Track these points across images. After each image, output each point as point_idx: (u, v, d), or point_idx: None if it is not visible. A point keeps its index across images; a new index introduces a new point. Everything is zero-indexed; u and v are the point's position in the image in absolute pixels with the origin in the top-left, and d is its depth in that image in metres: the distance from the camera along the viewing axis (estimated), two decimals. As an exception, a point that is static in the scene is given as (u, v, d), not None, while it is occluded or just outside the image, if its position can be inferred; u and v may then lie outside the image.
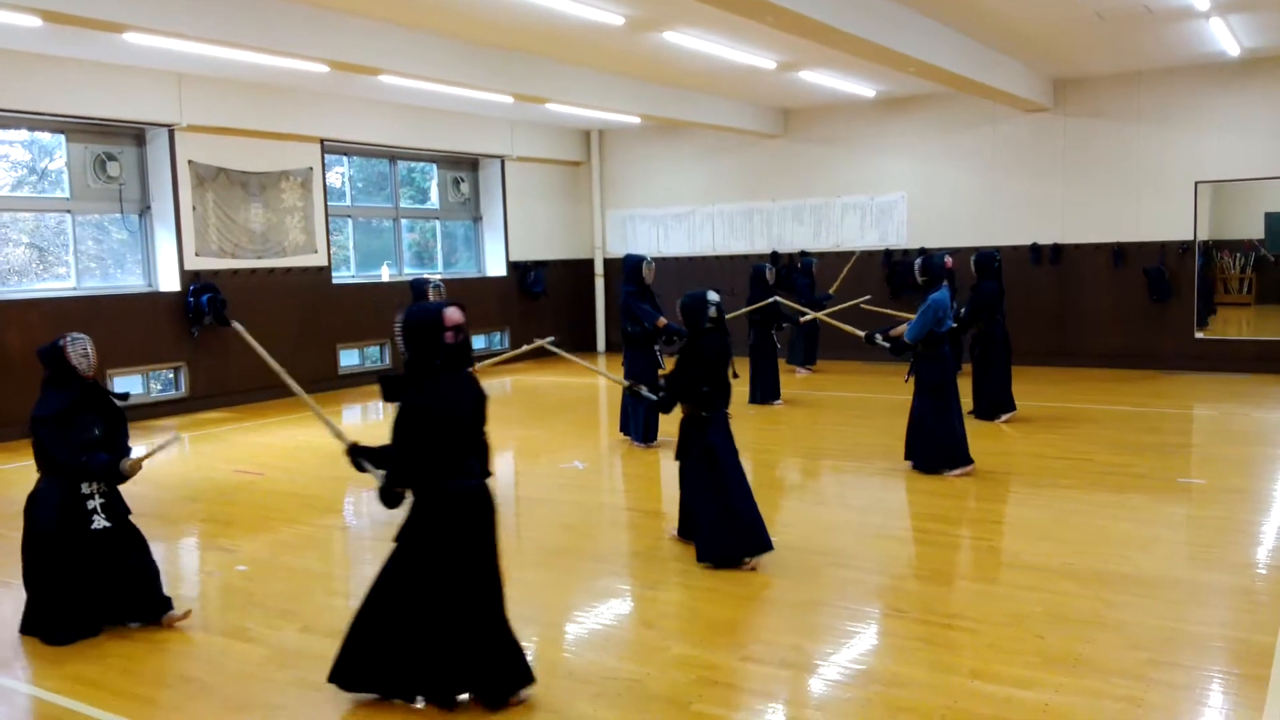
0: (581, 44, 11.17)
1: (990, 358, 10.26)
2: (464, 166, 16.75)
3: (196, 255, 12.42)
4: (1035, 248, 14.40)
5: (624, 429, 9.75)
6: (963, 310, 10.23)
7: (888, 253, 15.50)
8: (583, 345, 18.24)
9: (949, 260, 8.22)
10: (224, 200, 12.70)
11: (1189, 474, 8.26)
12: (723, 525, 5.87)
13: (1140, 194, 13.80)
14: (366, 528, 7.49)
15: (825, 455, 9.31)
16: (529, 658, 4.32)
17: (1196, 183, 13.44)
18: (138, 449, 5.29)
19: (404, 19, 9.99)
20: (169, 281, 12.37)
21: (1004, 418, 10.28)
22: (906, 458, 8.22)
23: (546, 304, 17.22)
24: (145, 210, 12.40)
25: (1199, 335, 13.74)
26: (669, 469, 6.82)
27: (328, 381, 14.02)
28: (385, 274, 15.52)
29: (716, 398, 6.04)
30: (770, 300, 11.30)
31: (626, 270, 9.37)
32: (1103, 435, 9.57)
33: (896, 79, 12.95)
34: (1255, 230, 17.24)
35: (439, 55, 10.73)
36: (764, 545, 5.95)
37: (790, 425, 10.72)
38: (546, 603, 5.74)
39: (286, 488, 8.44)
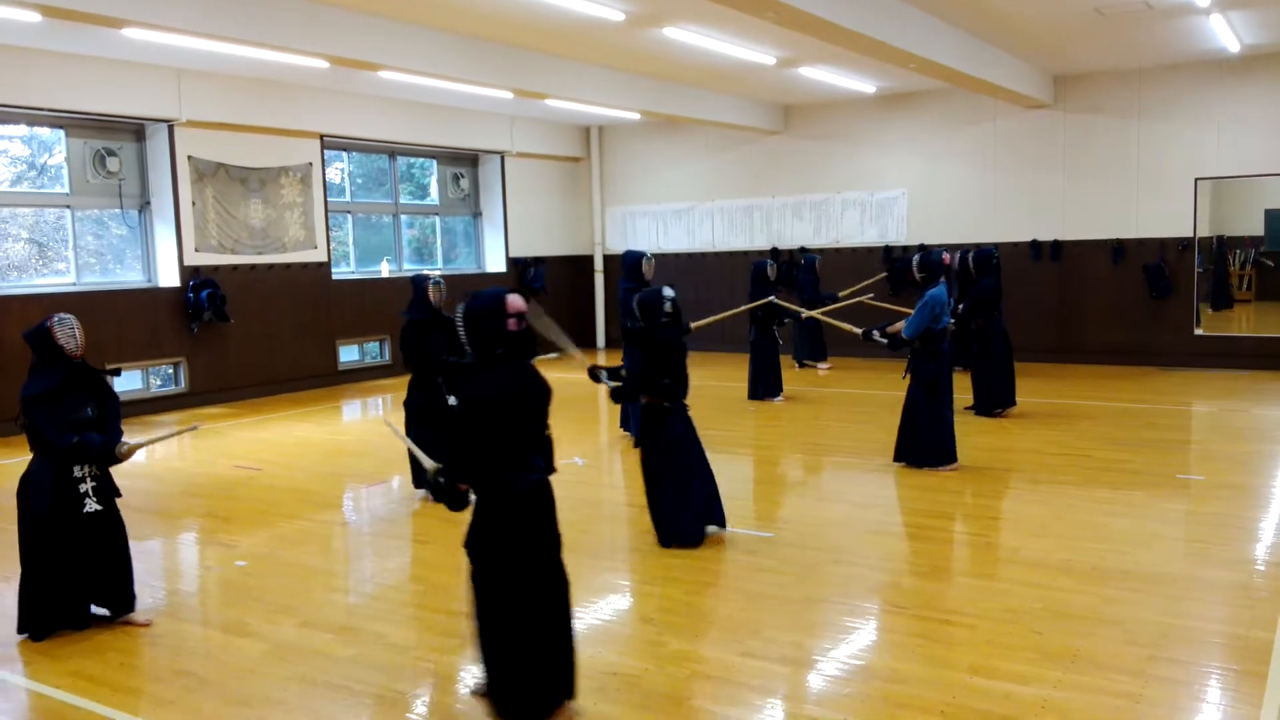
0: (582, 40, 11.16)
1: (989, 354, 10.30)
2: (464, 162, 16.74)
3: (196, 251, 12.42)
4: (1035, 244, 14.41)
5: (624, 425, 9.75)
6: (960, 307, 10.27)
7: (888, 249, 15.50)
8: (582, 341, 18.23)
9: (947, 257, 8.23)
10: (224, 196, 12.70)
11: (1188, 470, 8.26)
12: (682, 510, 6.20)
13: (1140, 191, 13.80)
14: (365, 523, 7.50)
15: (825, 451, 9.32)
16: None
17: (1196, 179, 13.44)
18: (139, 435, 5.28)
19: (404, 14, 9.98)
20: (168, 277, 12.37)
21: (1004, 412, 10.31)
22: (896, 459, 8.21)
23: (546, 300, 17.21)
24: (145, 206, 12.40)
25: (1198, 332, 13.74)
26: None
27: (327, 377, 14.02)
28: (385, 270, 15.52)
29: (676, 389, 6.35)
30: (767, 300, 11.28)
31: (626, 266, 9.36)
32: (1102, 431, 9.57)
33: (897, 75, 12.95)
34: (1255, 227, 17.23)
35: (439, 51, 10.72)
36: (718, 522, 6.37)
37: (791, 421, 10.72)
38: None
39: (285, 483, 8.45)
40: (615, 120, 16.92)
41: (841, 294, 13.33)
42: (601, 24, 10.21)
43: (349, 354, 14.69)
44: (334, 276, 14.23)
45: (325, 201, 13.97)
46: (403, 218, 15.98)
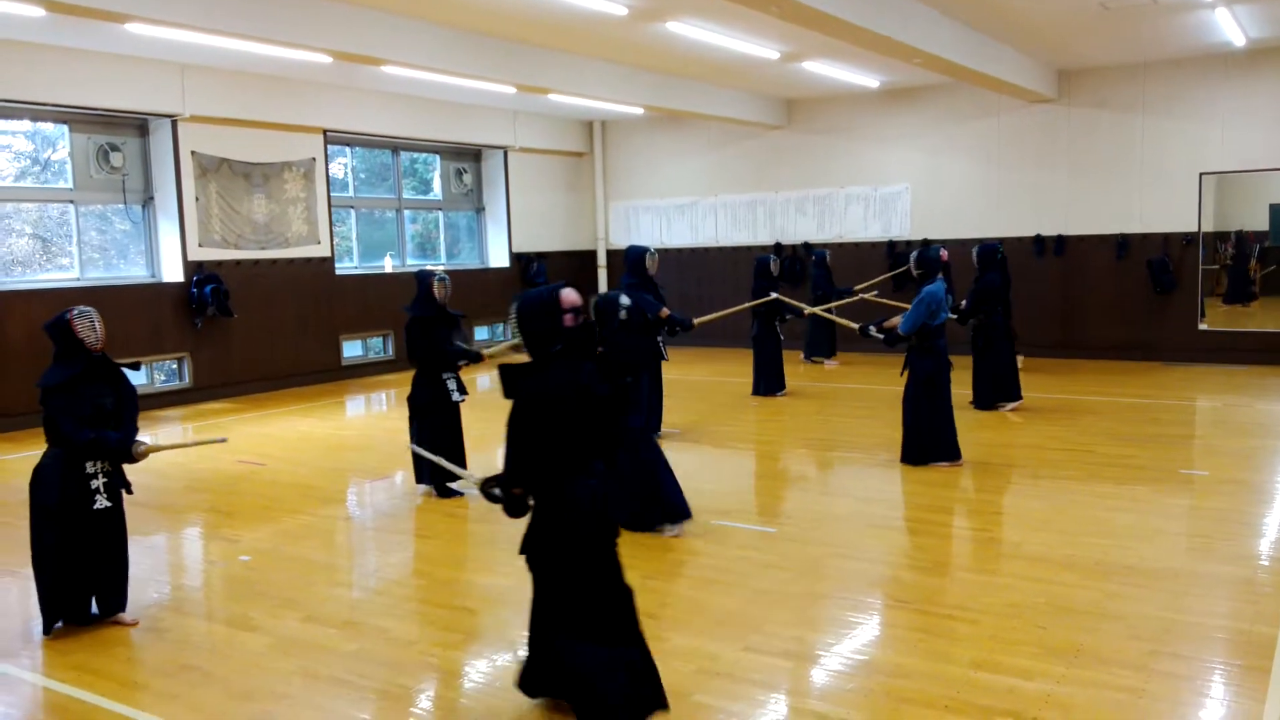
0: (585, 34, 11.15)
1: (992, 348, 10.30)
2: (467, 157, 16.74)
3: (200, 246, 12.44)
4: (1039, 239, 14.38)
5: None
6: (964, 302, 10.26)
7: (891, 244, 15.48)
8: (585, 337, 18.22)
9: (944, 253, 8.23)
10: (227, 191, 12.70)
11: (1191, 465, 8.25)
12: (641, 496, 6.37)
13: (1144, 185, 13.77)
14: (369, 518, 7.51)
15: (828, 446, 9.31)
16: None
17: (1201, 174, 13.41)
18: (148, 435, 5.28)
19: (407, 9, 9.97)
20: (172, 272, 12.38)
21: (1009, 407, 10.34)
22: (904, 460, 8.19)
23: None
24: (148, 201, 12.41)
25: (1202, 326, 13.72)
26: (671, 460, 6.86)
27: (331, 372, 14.04)
28: (388, 265, 15.53)
29: (635, 388, 6.60)
30: (770, 297, 11.27)
31: (629, 262, 9.36)
32: (1105, 426, 9.56)
33: (901, 70, 12.93)
34: (1260, 222, 17.18)
35: (442, 46, 10.71)
36: (682, 514, 6.47)
37: (793, 416, 10.71)
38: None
39: (289, 478, 8.46)
40: (618, 115, 16.90)
41: (856, 288, 13.31)
42: (605, 18, 10.19)
43: (352, 349, 14.70)
44: (337, 271, 14.24)
45: (329, 196, 13.98)
46: (406, 213, 15.98)
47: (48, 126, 11.73)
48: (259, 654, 4.76)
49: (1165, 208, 13.64)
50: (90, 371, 4.96)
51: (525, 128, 16.82)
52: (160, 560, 6.47)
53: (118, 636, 5.01)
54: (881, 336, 8.26)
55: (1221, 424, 10.15)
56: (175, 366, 12.50)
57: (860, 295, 12.58)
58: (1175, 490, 7.41)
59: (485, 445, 8.56)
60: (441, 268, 14.56)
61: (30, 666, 4.78)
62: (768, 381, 11.72)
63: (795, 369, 12.99)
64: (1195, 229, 13.51)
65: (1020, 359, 11.98)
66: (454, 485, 7.65)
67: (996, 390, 10.38)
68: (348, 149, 15.02)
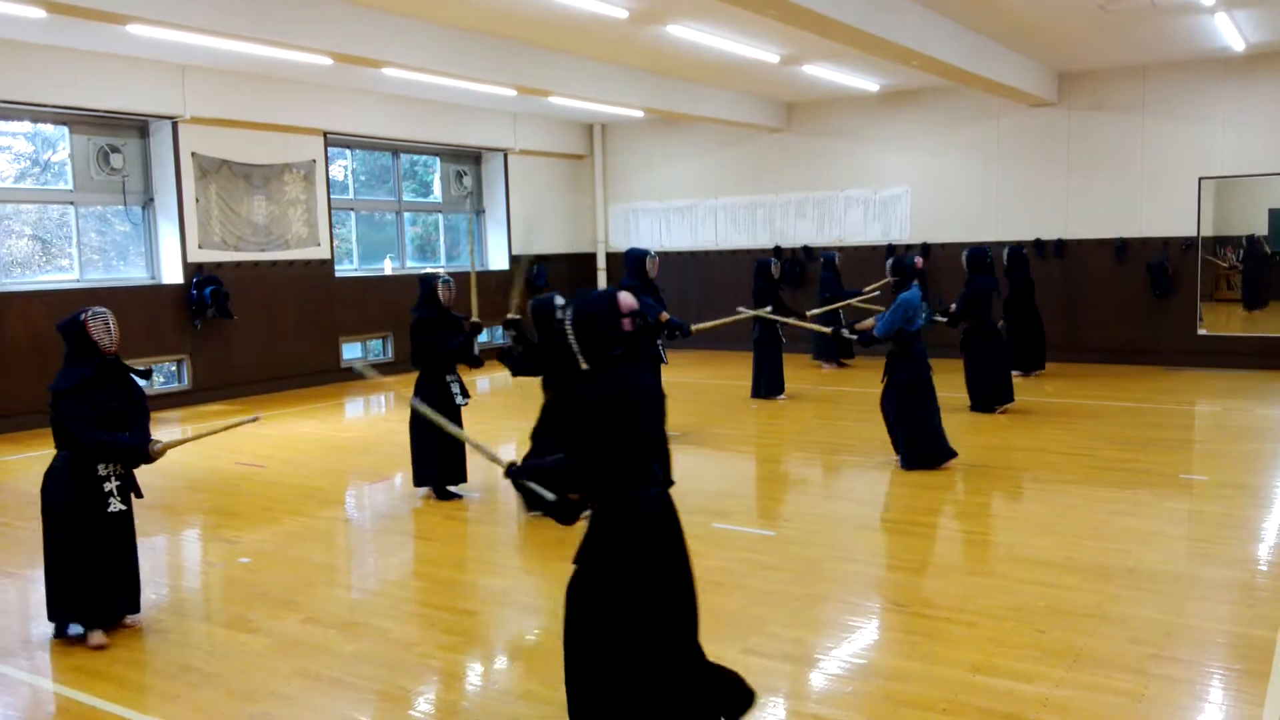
0: (585, 37, 11.16)
1: (984, 351, 10.40)
2: (467, 160, 16.75)
3: (199, 248, 12.44)
4: (1039, 242, 14.39)
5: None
6: (953, 306, 10.43)
7: (891, 247, 15.49)
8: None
9: (919, 261, 8.39)
10: (227, 192, 12.71)
11: (1191, 469, 8.26)
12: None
13: (1144, 189, 13.78)
14: (368, 520, 7.51)
15: (827, 449, 9.31)
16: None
17: (1200, 178, 13.42)
18: (159, 431, 5.26)
19: (407, 11, 9.98)
20: (172, 274, 12.39)
21: (1001, 408, 10.41)
22: (908, 467, 8.20)
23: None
24: (148, 202, 12.41)
25: (1201, 331, 13.72)
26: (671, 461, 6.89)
27: (330, 374, 14.04)
28: (388, 267, 15.53)
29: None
30: (765, 310, 11.16)
31: (630, 264, 9.37)
32: (1105, 430, 9.57)
33: (900, 73, 12.94)
34: (1259, 227, 17.19)
35: (442, 47, 10.72)
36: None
37: (793, 419, 10.72)
38: (548, 594, 5.76)
39: (289, 479, 8.46)
40: (618, 117, 16.91)
41: (866, 289, 13.32)
42: (605, 21, 10.21)
43: (352, 351, 14.70)
44: (337, 274, 14.24)
45: (329, 198, 13.98)
46: (406, 215, 15.99)
47: (48, 128, 11.74)
48: (259, 655, 4.76)
49: (1164, 212, 13.65)
50: (101, 374, 4.90)
51: (525, 130, 16.83)
52: (160, 561, 6.47)
53: (117, 638, 5.01)
54: (855, 337, 8.40)
55: (1221, 428, 10.15)
56: (175, 368, 12.50)
57: (865, 297, 12.66)
58: (1175, 494, 7.41)
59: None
60: (444, 271, 14.60)
61: (29, 668, 4.78)
62: (768, 384, 11.72)
63: (798, 372, 12.94)
64: (1195, 233, 13.52)
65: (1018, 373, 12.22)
66: (454, 489, 7.66)
67: (992, 393, 10.43)
68: (348, 151, 15.03)
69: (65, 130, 11.70)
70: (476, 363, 7.68)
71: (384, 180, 15.76)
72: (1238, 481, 7.63)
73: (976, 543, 6.42)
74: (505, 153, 16.68)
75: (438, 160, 16.38)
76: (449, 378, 7.54)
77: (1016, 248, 12.72)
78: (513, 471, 3.83)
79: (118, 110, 11.64)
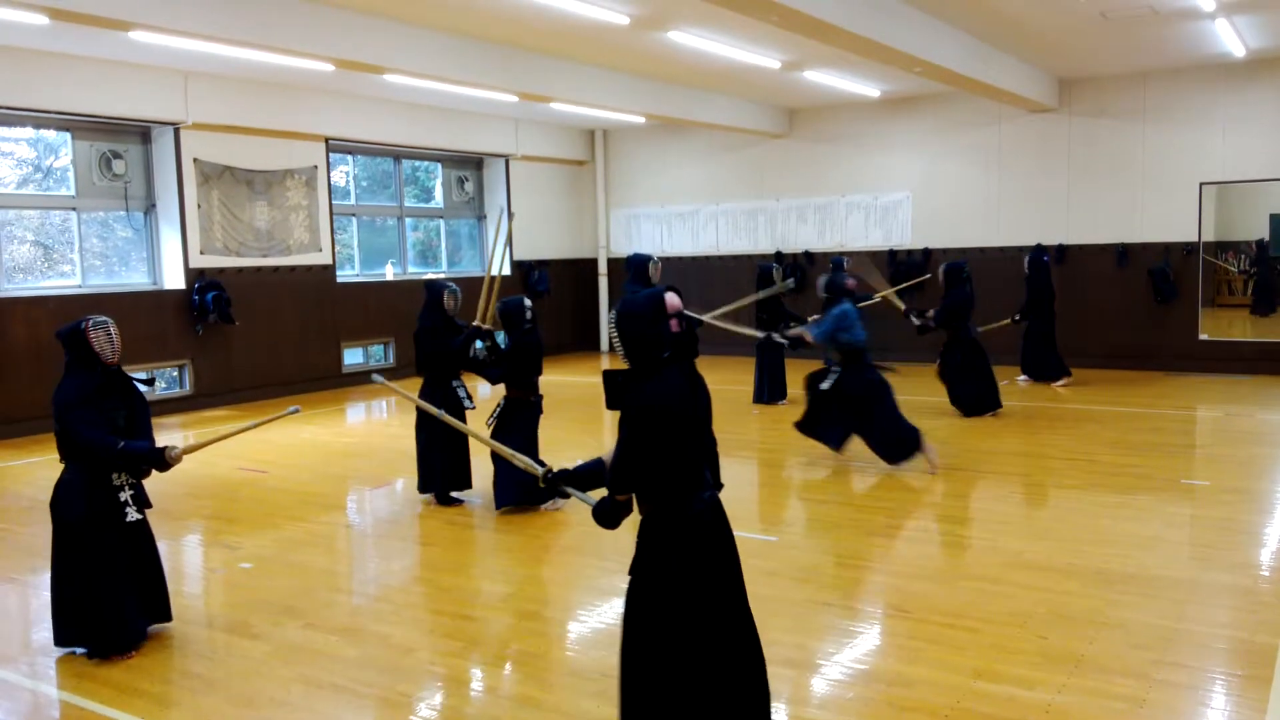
0: (587, 43, 11.18)
1: (969, 361, 10.54)
2: (468, 165, 16.77)
3: (201, 253, 12.46)
4: (1039, 247, 14.37)
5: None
6: (930, 313, 10.67)
7: (892, 253, 15.50)
8: (586, 344, 18.27)
9: (851, 282, 8.76)
10: (229, 198, 12.73)
11: (1192, 475, 8.25)
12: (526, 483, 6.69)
13: (1145, 194, 13.79)
14: (370, 525, 7.51)
15: (829, 454, 9.30)
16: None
17: (1201, 184, 13.42)
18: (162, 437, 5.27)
19: (409, 17, 10.00)
20: (174, 279, 12.40)
21: (995, 413, 10.58)
22: (890, 461, 8.38)
23: (550, 303, 17.22)
24: (150, 208, 12.43)
25: (1202, 336, 13.71)
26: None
27: (332, 379, 14.05)
28: (389, 273, 15.54)
29: (537, 384, 7.40)
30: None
31: (632, 269, 9.38)
32: (1106, 435, 9.56)
33: (902, 79, 12.95)
34: (1260, 232, 17.20)
35: (444, 54, 10.74)
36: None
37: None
38: (549, 600, 5.76)
39: (290, 485, 8.46)
40: (620, 123, 16.94)
41: (878, 294, 13.32)
42: (606, 27, 10.22)
43: (353, 356, 14.71)
44: (339, 279, 14.25)
45: (330, 204, 14.00)
46: (407, 220, 16.01)
47: (50, 133, 11.76)
48: (260, 661, 4.76)
49: (1166, 217, 13.65)
50: (105, 385, 4.77)
51: (527, 135, 16.86)
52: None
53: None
54: (785, 342, 8.74)
55: (1223, 433, 10.15)
56: (176, 374, 12.51)
57: (875, 300, 12.66)
58: (1177, 499, 7.40)
59: (476, 449, 8.53)
60: (444, 277, 14.63)
61: (29, 673, 4.78)
62: (770, 389, 11.72)
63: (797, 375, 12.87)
64: (1196, 238, 13.51)
65: (1025, 380, 12.32)
66: (458, 495, 7.66)
67: (981, 402, 10.59)
68: (349, 157, 15.05)
69: (68, 136, 11.72)
70: (469, 365, 7.70)
71: (386, 186, 15.77)
72: (1239, 486, 7.63)
73: (977, 548, 6.41)
74: (507, 158, 16.70)
75: (439, 166, 16.40)
76: (454, 383, 7.54)
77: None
78: (551, 478, 3.82)
79: (120, 116, 11.66)
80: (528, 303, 7.30)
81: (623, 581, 5.82)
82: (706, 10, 9.32)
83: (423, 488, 7.62)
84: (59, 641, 4.83)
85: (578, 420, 11.12)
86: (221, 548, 6.73)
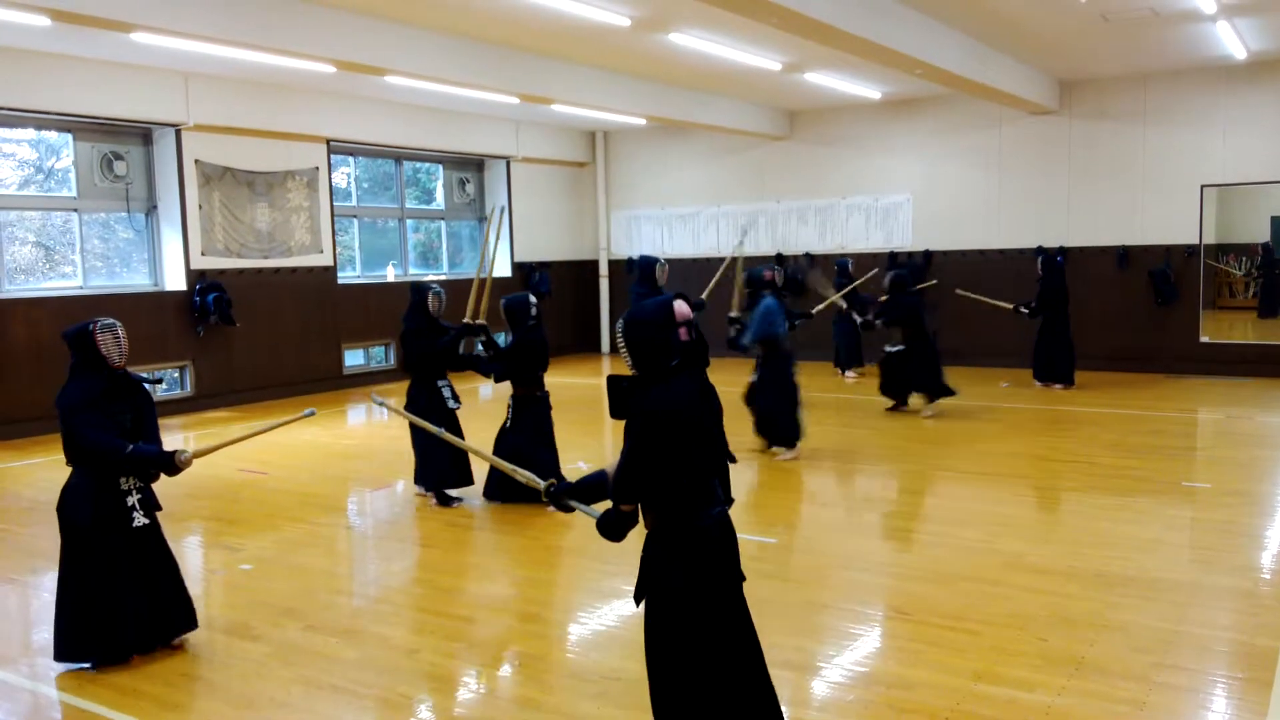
0: (588, 44, 11.18)
1: (927, 354, 11.00)
2: (469, 167, 16.78)
3: (203, 254, 12.46)
4: (1040, 249, 14.38)
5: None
6: (876, 318, 11.26)
7: (893, 254, 15.50)
8: (587, 346, 18.27)
9: (768, 274, 9.10)
10: (230, 200, 12.74)
11: (1193, 477, 8.25)
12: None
13: (1146, 197, 13.79)
14: (370, 527, 7.51)
15: (829, 456, 9.30)
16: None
17: (1202, 186, 13.42)
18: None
19: (410, 19, 10.00)
20: (175, 280, 12.41)
21: (933, 407, 11.04)
22: (774, 444, 9.08)
23: (551, 304, 17.22)
24: (151, 209, 12.44)
25: (1203, 338, 13.71)
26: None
27: (332, 381, 14.05)
28: (390, 274, 15.55)
29: (542, 380, 7.54)
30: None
31: (640, 272, 9.42)
32: (1106, 437, 9.56)
33: (902, 81, 12.95)
34: (1261, 234, 17.20)
35: (445, 55, 10.75)
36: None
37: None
38: (550, 602, 5.76)
39: (290, 486, 8.46)
40: (621, 125, 16.94)
41: (881, 298, 13.31)
42: (607, 29, 10.23)
43: (354, 358, 14.71)
44: (340, 280, 14.26)
45: (331, 205, 14.01)
46: (408, 222, 16.01)
47: (51, 135, 11.77)
48: (260, 662, 4.76)
49: (1166, 219, 13.65)
50: (112, 388, 4.68)
51: (528, 137, 16.86)
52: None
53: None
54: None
55: (1223, 436, 10.14)
56: (177, 375, 12.51)
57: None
58: (1177, 502, 7.40)
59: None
60: (440, 278, 14.62)
61: (29, 674, 4.78)
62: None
63: (808, 379, 12.82)
64: (1196, 241, 13.51)
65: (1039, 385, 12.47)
66: (454, 493, 7.67)
67: (937, 387, 11.03)
68: (351, 158, 15.05)
69: (69, 137, 11.73)
70: (458, 364, 7.73)
71: (387, 187, 15.78)
72: (1240, 489, 7.62)
73: (978, 550, 6.40)
74: (508, 160, 16.70)
75: (440, 167, 16.41)
76: (440, 383, 7.58)
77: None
78: (554, 491, 3.76)
79: (121, 117, 11.67)
80: (532, 299, 7.39)
81: (624, 583, 5.85)
82: (707, 12, 9.33)
83: (423, 482, 7.65)
84: (59, 656, 4.70)
85: (579, 422, 11.11)
86: (222, 549, 6.73)
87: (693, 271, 17.10)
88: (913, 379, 11.09)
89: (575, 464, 8.95)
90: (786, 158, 16.45)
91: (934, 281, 14.35)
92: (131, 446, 4.62)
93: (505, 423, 7.48)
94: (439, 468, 7.51)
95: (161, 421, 11.81)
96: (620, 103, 13.34)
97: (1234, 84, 13.04)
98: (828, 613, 5.27)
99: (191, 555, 6.88)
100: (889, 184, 15.64)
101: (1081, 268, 14.19)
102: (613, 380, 3.44)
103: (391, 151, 15.28)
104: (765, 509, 7.72)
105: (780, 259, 16.25)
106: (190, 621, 4.92)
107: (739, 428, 10.78)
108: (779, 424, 9.00)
